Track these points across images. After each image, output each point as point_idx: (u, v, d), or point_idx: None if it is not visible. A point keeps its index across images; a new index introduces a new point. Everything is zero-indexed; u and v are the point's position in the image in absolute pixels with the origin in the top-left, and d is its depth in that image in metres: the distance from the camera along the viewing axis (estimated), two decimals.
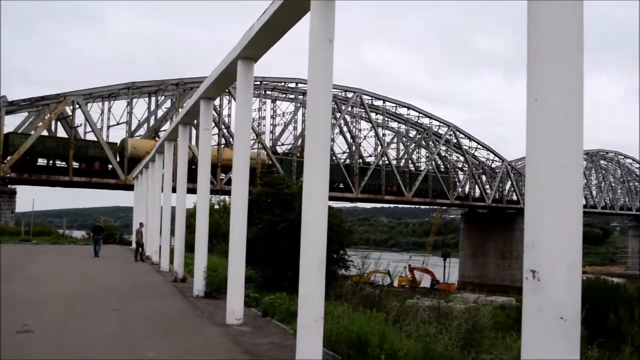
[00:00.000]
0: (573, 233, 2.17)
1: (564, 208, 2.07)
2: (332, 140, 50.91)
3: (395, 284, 60.12)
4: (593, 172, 78.94)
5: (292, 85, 47.31)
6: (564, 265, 2.16)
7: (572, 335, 2.08)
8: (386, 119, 55.64)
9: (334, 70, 5.38)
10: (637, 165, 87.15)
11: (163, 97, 42.00)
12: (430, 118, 58.28)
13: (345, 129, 52.65)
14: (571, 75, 2.00)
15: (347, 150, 53.31)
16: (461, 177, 60.63)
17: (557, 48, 2.00)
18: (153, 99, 41.66)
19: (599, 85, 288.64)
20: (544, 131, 1.94)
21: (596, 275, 34.70)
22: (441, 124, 58.90)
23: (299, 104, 48.53)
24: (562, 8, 2.07)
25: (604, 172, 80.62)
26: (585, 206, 74.55)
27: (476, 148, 62.18)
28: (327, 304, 6.71)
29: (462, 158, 61.37)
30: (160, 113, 41.76)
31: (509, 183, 62.57)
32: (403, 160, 57.71)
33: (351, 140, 52.61)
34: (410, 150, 57.97)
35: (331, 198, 47.48)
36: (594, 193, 77.74)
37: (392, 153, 56.23)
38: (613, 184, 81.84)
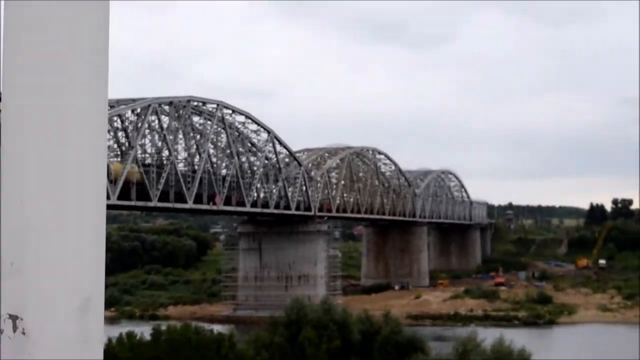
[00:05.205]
0: (90, 242, 2.50)
1: (72, 193, 2.47)
2: None
3: None
4: (181, 136, 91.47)
5: None
6: (72, 304, 2.47)
7: None
8: None
9: None
10: (254, 128, 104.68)
11: None
12: None
13: None
14: None
15: None
16: None
17: None
18: None
19: None
20: None
21: (184, 321, 42.12)
22: None
23: None
24: None
25: (198, 136, 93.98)
26: (166, 198, 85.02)
27: None
28: None
29: None
30: None
31: None
32: None
33: None
34: None
35: None
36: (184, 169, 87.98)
37: None
38: (215, 159, 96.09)
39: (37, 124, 2.48)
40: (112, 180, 73.86)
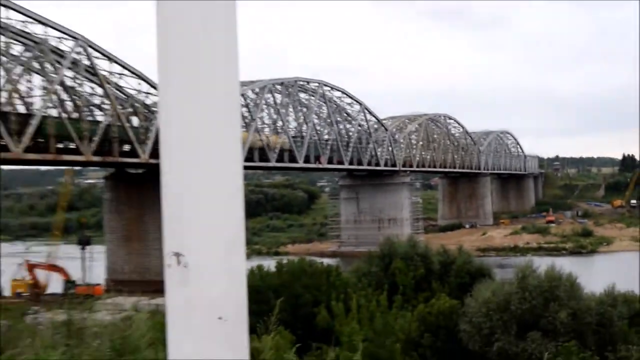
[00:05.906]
0: (232, 196, 2.39)
1: (217, 158, 2.32)
2: None
3: (8, 291, 61.67)
4: (291, 109, 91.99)
5: None
6: (221, 243, 2.41)
7: (236, 342, 2.33)
8: None
9: None
10: (349, 101, 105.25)
11: None
12: (46, 25, 58.17)
13: None
14: None
15: None
16: (102, 119, 62.51)
17: None
18: None
19: None
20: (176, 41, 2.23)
21: (300, 256, 43.66)
22: (64, 36, 60.07)
23: None
24: None
25: (305, 109, 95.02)
26: (281, 159, 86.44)
27: (121, 75, 65.41)
28: None
29: (99, 90, 63.90)
30: None
31: None
32: (4, 94, 56.54)
33: None
34: (16, 77, 57.98)
35: None
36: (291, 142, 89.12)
37: None
38: (318, 127, 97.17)
39: (189, 108, 2.29)
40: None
